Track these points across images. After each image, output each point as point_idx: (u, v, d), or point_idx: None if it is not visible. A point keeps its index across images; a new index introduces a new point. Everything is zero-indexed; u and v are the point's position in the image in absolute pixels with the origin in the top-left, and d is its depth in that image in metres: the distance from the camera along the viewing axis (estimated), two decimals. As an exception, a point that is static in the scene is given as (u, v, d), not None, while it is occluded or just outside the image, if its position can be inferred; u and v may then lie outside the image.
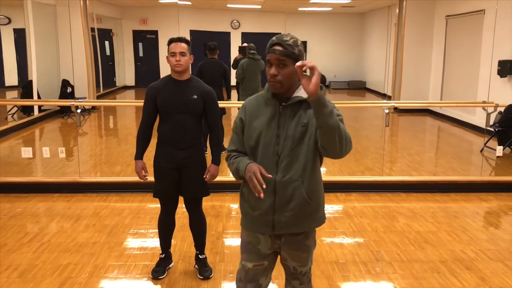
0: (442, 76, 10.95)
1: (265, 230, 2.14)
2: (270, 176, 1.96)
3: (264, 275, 2.24)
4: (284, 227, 2.10)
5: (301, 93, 2.05)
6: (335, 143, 1.84)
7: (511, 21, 7.91)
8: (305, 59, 1.85)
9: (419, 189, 5.37)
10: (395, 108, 11.16)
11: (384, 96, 13.55)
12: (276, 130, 2.04)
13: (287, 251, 2.19)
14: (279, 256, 2.27)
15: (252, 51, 7.53)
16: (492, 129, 7.17)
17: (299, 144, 2.02)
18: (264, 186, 1.92)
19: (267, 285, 2.29)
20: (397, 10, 11.53)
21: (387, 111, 5.70)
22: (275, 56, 1.95)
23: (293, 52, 1.95)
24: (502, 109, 6.99)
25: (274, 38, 2.00)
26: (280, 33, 2.02)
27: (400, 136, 9.18)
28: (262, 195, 1.91)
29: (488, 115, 5.85)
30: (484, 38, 8.87)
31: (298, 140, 2.01)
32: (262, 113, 2.08)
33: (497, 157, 6.76)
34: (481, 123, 7.83)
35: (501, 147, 6.25)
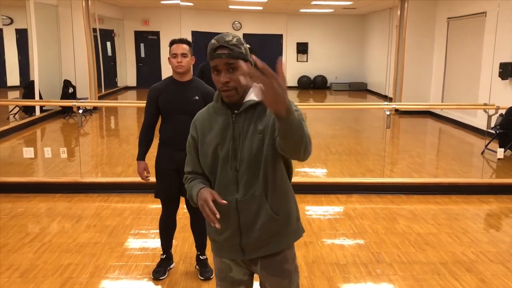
0: (443, 78, 10.96)
1: (235, 256, 1.92)
2: (225, 202, 1.72)
3: None
4: (255, 250, 1.88)
5: (252, 96, 1.81)
6: (298, 147, 1.57)
7: (513, 24, 7.91)
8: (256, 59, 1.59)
9: (420, 191, 5.37)
10: (396, 110, 11.17)
11: (385, 97, 13.55)
12: (231, 143, 1.80)
13: (266, 276, 1.96)
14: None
15: None
16: (493, 131, 7.17)
17: (258, 154, 1.77)
18: (218, 216, 1.68)
19: None
20: (399, 12, 11.54)
21: (388, 112, 5.70)
22: (223, 61, 1.72)
23: (241, 52, 1.75)
24: (503, 112, 6.99)
25: (214, 41, 1.75)
26: (220, 34, 1.78)
27: (401, 138, 9.18)
28: (217, 225, 1.70)
29: (489, 117, 5.85)
30: (486, 40, 8.88)
31: (256, 150, 1.77)
32: (214, 125, 1.85)
33: (498, 159, 6.76)
34: (482, 125, 7.83)
35: (502, 149, 6.25)
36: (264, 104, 1.52)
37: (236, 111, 1.81)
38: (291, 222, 1.92)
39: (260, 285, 2.04)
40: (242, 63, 1.76)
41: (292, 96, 12.08)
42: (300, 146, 1.57)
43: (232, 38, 1.75)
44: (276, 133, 1.67)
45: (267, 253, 1.89)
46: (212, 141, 1.84)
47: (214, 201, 1.72)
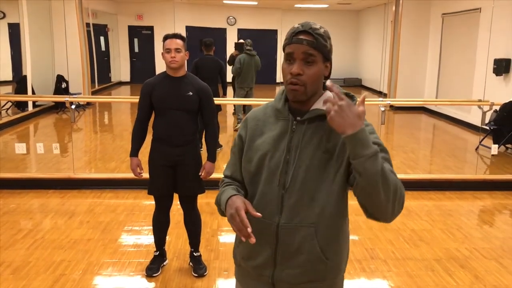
0: (437, 74, 10.97)
1: None
2: (259, 215, 1.41)
3: None
4: None
5: (322, 104, 1.49)
6: (379, 198, 1.29)
7: (507, 20, 7.93)
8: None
9: (414, 187, 5.38)
10: (391, 106, 11.17)
11: (380, 93, 13.56)
12: (285, 154, 1.49)
13: None
14: None
15: (248, 47, 7.72)
16: (487, 128, 7.19)
17: (318, 176, 1.45)
18: (249, 230, 1.36)
19: None
20: (394, 8, 11.53)
21: (383, 108, 5.70)
22: (302, 48, 1.41)
23: (325, 45, 1.44)
24: (498, 108, 7.01)
25: (298, 25, 1.45)
26: (308, 22, 1.46)
27: (395, 134, 9.19)
28: (253, 239, 1.37)
29: (484, 113, 5.87)
30: (480, 36, 8.89)
31: (316, 171, 1.45)
32: (269, 129, 1.55)
33: (492, 155, 6.78)
34: (477, 121, 7.86)
35: (496, 145, 6.27)
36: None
37: (298, 118, 1.51)
38: (340, 274, 1.60)
39: None
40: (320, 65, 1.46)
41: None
42: (379, 192, 1.29)
43: (320, 28, 1.45)
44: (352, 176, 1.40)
45: None
46: (262, 147, 1.54)
47: (247, 213, 1.42)
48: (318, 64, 1.44)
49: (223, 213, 1.56)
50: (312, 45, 1.42)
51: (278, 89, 1.62)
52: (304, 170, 1.46)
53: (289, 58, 1.45)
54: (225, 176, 1.68)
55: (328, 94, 1.53)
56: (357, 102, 1.28)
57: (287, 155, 1.49)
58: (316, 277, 1.53)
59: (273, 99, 1.62)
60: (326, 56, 1.46)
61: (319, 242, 1.49)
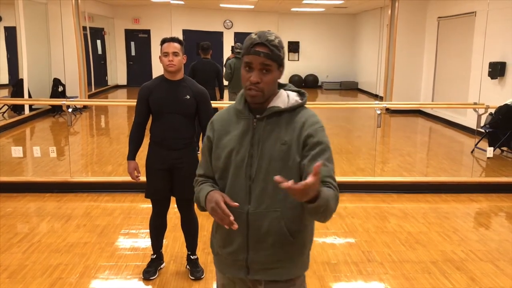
0: (433, 77, 11.02)
1: (238, 273, 1.77)
2: (236, 204, 1.61)
3: None
4: (261, 271, 1.73)
5: (278, 102, 1.71)
6: (319, 220, 1.61)
7: (502, 23, 7.98)
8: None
9: (410, 190, 5.40)
10: (387, 109, 11.23)
11: (376, 97, 13.60)
12: (249, 149, 1.68)
13: None
14: None
15: (238, 50, 7.70)
16: (482, 130, 7.22)
17: (279, 165, 1.65)
18: (232, 218, 1.57)
19: None
20: (389, 11, 11.59)
21: (379, 112, 5.72)
22: (260, 60, 1.61)
23: (279, 55, 1.65)
24: (493, 111, 7.04)
25: (254, 36, 1.63)
26: (261, 31, 1.67)
27: (391, 137, 9.22)
28: (235, 226, 1.57)
29: (479, 116, 5.90)
30: (475, 40, 8.94)
31: (277, 161, 1.65)
32: (233, 128, 1.73)
33: (488, 158, 6.81)
34: (472, 124, 7.90)
35: (492, 148, 6.30)
36: (289, 112, 1.68)
37: (258, 116, 1.70)
38: (305, 252, 1.80)
39: None
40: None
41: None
42: (321, 221, 1.62)
43: (275, 38, 1.64)
44: (304, 174, 1.65)
45: (274, 279, 1.75)
46: (228, 145, 1.72)
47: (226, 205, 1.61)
48: (273, 72, 1.65)
49: (203, 209, 1.76)
50: (268, 56, 1.62)
51: None
52: (266, 161, 1.67)
53: (247, 66, 1.64)
54: (199, 175, 1.85)
55: (283, 94, 1.75)
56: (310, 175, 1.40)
57: (251, 149, 1.69)
58: (284, 256, 1.72)
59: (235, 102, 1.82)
60: (280, 63, 1.67)
61: (285, 223, 1.68)
